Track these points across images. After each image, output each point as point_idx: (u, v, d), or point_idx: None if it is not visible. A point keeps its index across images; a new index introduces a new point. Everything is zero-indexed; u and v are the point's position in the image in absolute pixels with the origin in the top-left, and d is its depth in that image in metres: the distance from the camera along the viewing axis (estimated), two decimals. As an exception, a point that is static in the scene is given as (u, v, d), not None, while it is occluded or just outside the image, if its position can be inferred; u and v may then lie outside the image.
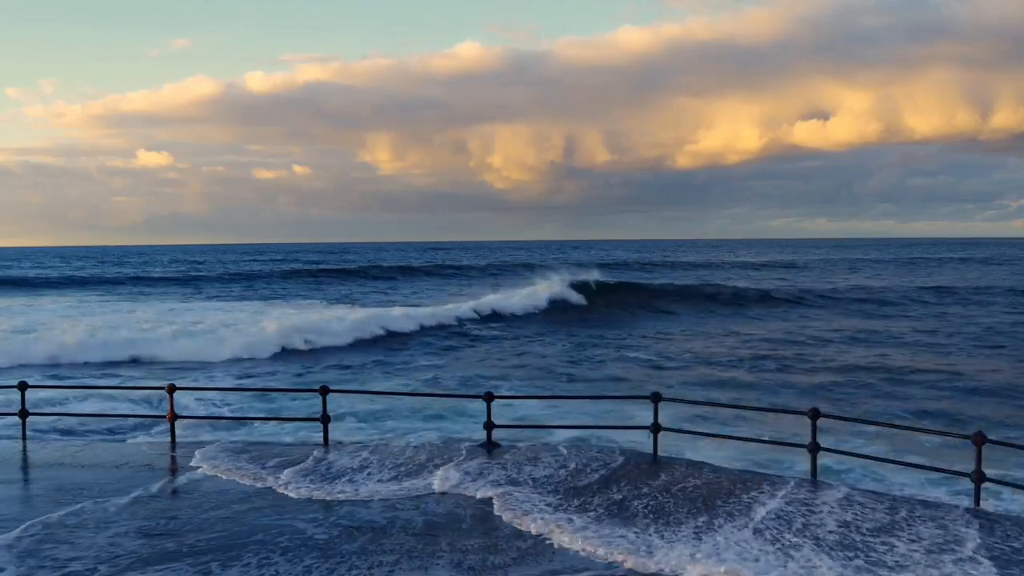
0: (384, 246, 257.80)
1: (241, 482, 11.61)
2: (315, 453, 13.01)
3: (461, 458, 12.51)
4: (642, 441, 13.57)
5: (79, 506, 10.37)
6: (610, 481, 11.24)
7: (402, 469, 12.09)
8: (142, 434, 16.91)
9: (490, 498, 10.66)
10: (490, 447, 13.08)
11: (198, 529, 9.54)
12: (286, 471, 12.05)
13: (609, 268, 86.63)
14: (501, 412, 15.98)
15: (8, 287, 68.08)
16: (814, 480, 11.36)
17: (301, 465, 12.36)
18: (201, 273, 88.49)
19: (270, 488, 11.31)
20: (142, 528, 9.55)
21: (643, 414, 15.60)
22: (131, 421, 18.02)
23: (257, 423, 17.67)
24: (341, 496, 10.93)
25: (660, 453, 12.65)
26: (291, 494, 11.02)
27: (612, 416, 18.57)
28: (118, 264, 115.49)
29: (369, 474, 11.93)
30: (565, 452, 12.95)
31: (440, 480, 11.40)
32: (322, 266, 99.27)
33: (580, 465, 12.07)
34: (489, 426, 13.15)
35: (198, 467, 12.38)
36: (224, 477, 11.87)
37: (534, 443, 14.41)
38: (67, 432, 17.32)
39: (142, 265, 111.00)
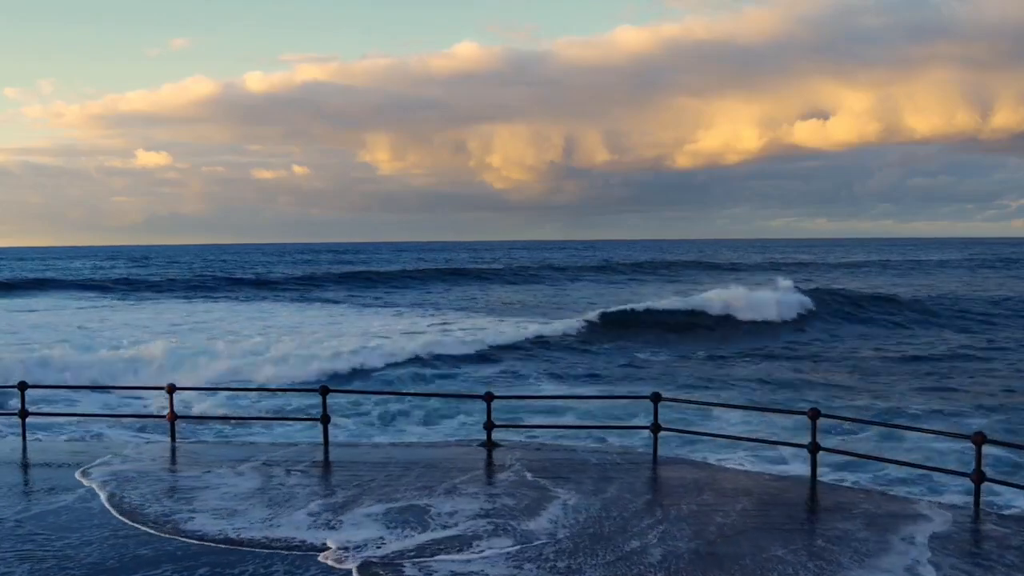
0: (387, 246, 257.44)
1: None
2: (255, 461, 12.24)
3: (443, 479, 11.20)
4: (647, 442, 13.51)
5: None
6: (626, 527, 9.25)
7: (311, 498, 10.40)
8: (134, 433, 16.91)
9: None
10: (490, 447, 13.07)
11: None
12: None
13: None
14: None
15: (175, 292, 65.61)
16: (814, 485, 11.33)
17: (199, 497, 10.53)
18: (317, 272, 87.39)
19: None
20: None
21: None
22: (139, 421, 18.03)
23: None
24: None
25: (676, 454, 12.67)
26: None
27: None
28: (207, 265, 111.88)
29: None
30: (567, 459, 12.89)
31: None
32: (466, 266, 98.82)
33: (583, 479, 11.19)
34: (489, 426, 13.14)
35: (78, 486, 11.20)
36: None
37: (534, 445, 14.39)
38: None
39: (241, 267, 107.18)
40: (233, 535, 9.08)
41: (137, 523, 9.50)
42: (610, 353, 33.52)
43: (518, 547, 8.67)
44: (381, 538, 8.96)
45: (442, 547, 8.67)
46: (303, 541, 8.87)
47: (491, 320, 44.19)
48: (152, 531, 9.23)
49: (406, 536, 9.03)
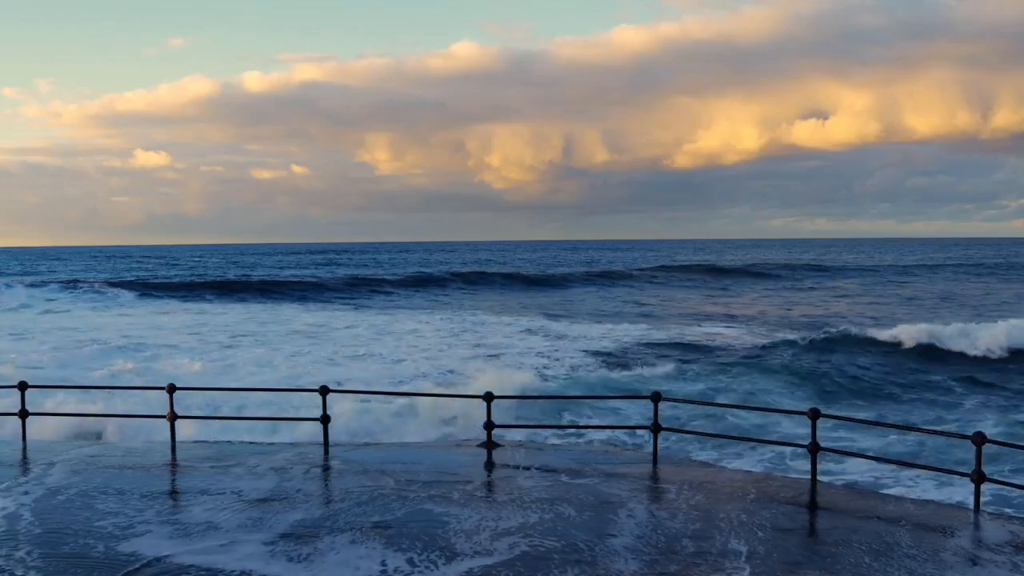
0: (387, 246, 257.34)
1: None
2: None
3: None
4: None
5: None
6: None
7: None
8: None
9: None
10: (490, 447, 13.07)
11: None
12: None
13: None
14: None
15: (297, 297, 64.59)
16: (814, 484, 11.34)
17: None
18: (433, 273, 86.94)
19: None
20: None
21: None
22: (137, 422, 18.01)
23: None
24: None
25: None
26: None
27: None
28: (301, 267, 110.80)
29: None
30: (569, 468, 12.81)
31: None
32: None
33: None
34: (489, 426, 13.14)
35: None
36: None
37: (534, 446, 14.37)
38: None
39: (317, 269, 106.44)
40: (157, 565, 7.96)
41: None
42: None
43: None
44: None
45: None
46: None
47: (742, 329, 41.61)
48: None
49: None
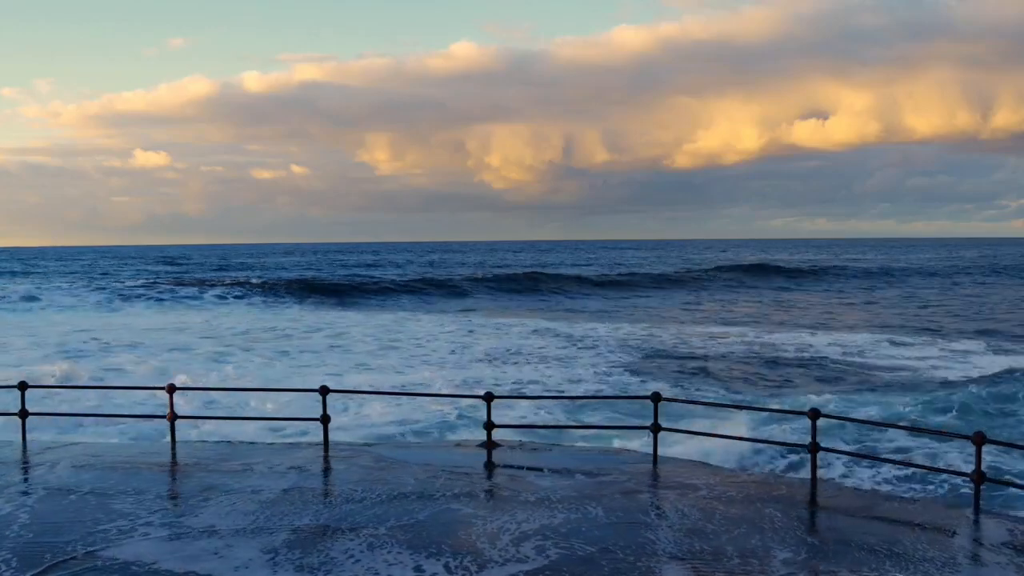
0: (387, 247, 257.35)
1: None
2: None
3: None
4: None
5: None
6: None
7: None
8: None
9: None
10: (490, 447, 13.06)
11: None
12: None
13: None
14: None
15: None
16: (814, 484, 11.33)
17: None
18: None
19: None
20: None
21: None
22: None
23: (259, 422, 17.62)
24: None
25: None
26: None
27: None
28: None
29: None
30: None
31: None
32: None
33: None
34: (489, 426, 13.13)
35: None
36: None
37: (532, 447, 14.36)
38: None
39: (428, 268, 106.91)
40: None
41: None
42: None
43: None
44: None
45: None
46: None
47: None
48: None
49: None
